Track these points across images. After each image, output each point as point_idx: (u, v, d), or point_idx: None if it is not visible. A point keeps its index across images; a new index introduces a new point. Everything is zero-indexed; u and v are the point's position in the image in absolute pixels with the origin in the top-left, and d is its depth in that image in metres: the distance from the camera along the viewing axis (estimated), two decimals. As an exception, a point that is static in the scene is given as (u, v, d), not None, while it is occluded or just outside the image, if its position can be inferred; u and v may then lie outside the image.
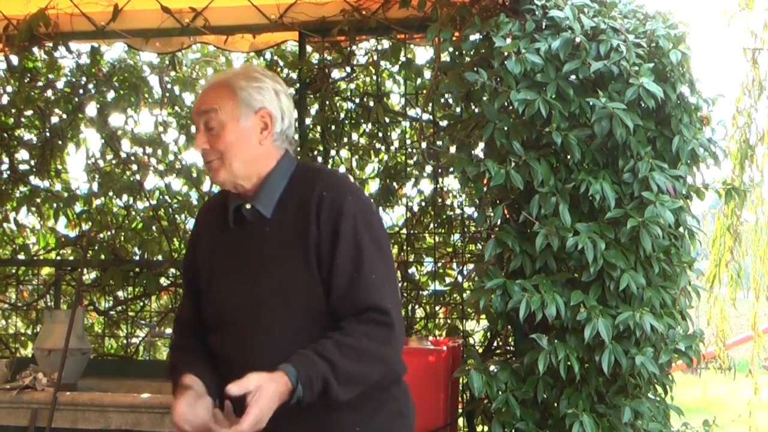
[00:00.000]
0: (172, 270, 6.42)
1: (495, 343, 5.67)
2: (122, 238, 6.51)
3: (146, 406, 4.63)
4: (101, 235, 6.40)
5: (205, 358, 2.93)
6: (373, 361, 2.75)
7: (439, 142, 5.83)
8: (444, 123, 5.74)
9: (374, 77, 6.21)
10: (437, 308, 6.08)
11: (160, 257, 6.43)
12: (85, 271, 6.14)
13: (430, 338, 5.26)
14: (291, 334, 2.77)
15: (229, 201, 2.93)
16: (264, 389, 2.59)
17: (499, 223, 4.26)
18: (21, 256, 6.70)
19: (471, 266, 5.98)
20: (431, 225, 6.13)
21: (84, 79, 6.59)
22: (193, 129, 6.53)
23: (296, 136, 2.99)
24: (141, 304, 6.51)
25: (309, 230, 2.78)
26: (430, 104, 5.73)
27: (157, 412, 4.83)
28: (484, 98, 4.22)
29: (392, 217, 6.23)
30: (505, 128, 4.11)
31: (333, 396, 2.68)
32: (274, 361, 2.68)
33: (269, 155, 2.89)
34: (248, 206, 2.88)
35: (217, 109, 2.84)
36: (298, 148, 5.97)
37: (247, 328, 2.83)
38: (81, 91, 6.59)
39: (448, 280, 6.05)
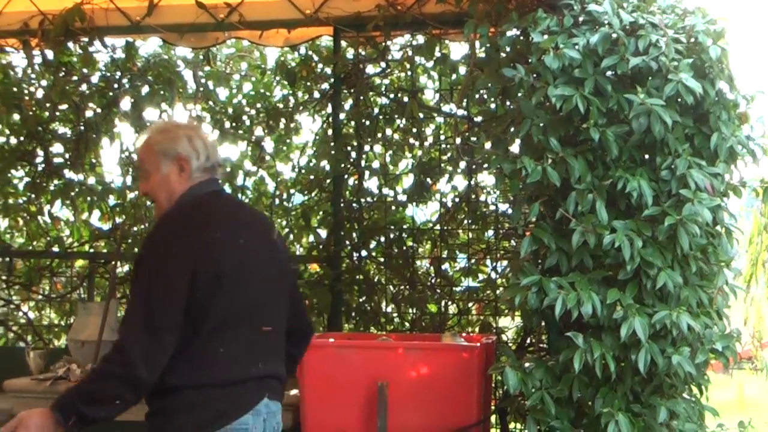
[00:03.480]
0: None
1: (528, 341, 5.65)
2: (156, 232, 6.52)
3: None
4: (135, 228, 6.43)
5: None
6: (106, 379, 3.23)
7: (474, 138, 5.80)
8: (479, 119, 5.71)
9: (409, 73, 6.18)
10: (470, 304, 6.05)
11: (193, 251, 6.42)
12: (118, 263, 6.16)
13: (463, 334, 5.23)
14: None
15: None
16: (26, 420, 3.21)
17: (534, 219, 4.22)
18: (55, 249, 6.74)
19: (504, 263, 5.96)
20: (465, 221, 6.11)
21: (119, 73, 6.62)
22: (226, 123, 6.62)
23: (221, 162, 3.65)
24: (174, 297, 6.52)
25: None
26: (465, 100, 5.70)
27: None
28: (520, 94, 4.19)
29: (426, 212, 6.22)
30: (542, 124, 4.07)
31: (87, 415, 3.21)
32: None
33: (184, 189, 3.49)
34: None
35: (143, 161, 3.54)
36: (332, 143, 6.00)
37: None
38: (115, 86, 6.62)
39: (481, 276, 6.03)
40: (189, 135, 3.51)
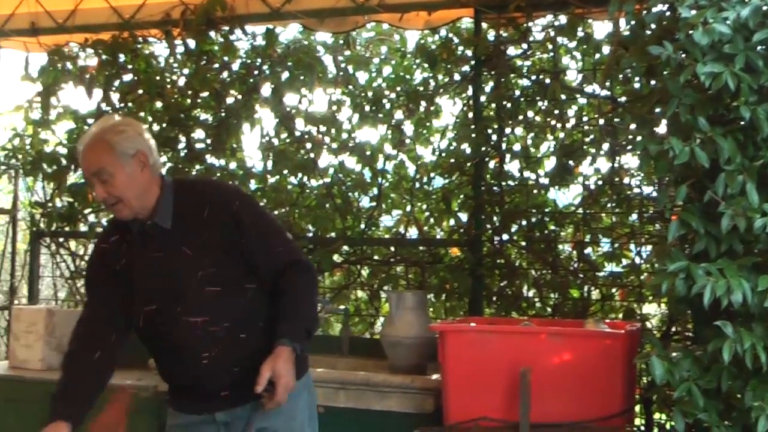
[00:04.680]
0: (346, 247, 6.48)
1: (673, 329, 5.50)
2: (296, 215, 6.58)
3: (320, 380, 4.63)
4: (275, 212, 6.47)
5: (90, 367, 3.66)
6: (316, 295, 3.73)
7: (618, 119, 5.67)
8: (623, 99, 5.57)
9: (551, 54, 6.06)
10: (614, 290, 5.92)
11: (333, 234, 6.47)
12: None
13: (606, 321, 5.11)
14: (206, 305, 3.59)
15: (130, 225, 3.69)
16: (277, 366, 3.39)
17: (681, 203, 4.08)
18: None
19: (649, 247, 5.80)
20: (608, 204, 5.97)
21: (259, 60, 6.67)
22: (366, 107, 6.60)
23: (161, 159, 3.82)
24: (315, 280, 6.57)
25: (210, 228, 3.61)
26: (609, 80, 5.56)
27: (332, 387, 4.94)
28: (666, 72, 4.04)
29: (568, 196, 6.10)
30: (690, 103, 3.92)
31: (312, 333, 3.60)
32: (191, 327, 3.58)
33: (152, 184, 3.65)
34: (149, 223, 3.65)
35: (104, 166, 3.54)
36: (473, 126, 5.94)
37: (173, 308, 3.60)
38: (256, 72, 6.67)
39: (625, 261, 5.88)
40: (139, 131, 3.68)
